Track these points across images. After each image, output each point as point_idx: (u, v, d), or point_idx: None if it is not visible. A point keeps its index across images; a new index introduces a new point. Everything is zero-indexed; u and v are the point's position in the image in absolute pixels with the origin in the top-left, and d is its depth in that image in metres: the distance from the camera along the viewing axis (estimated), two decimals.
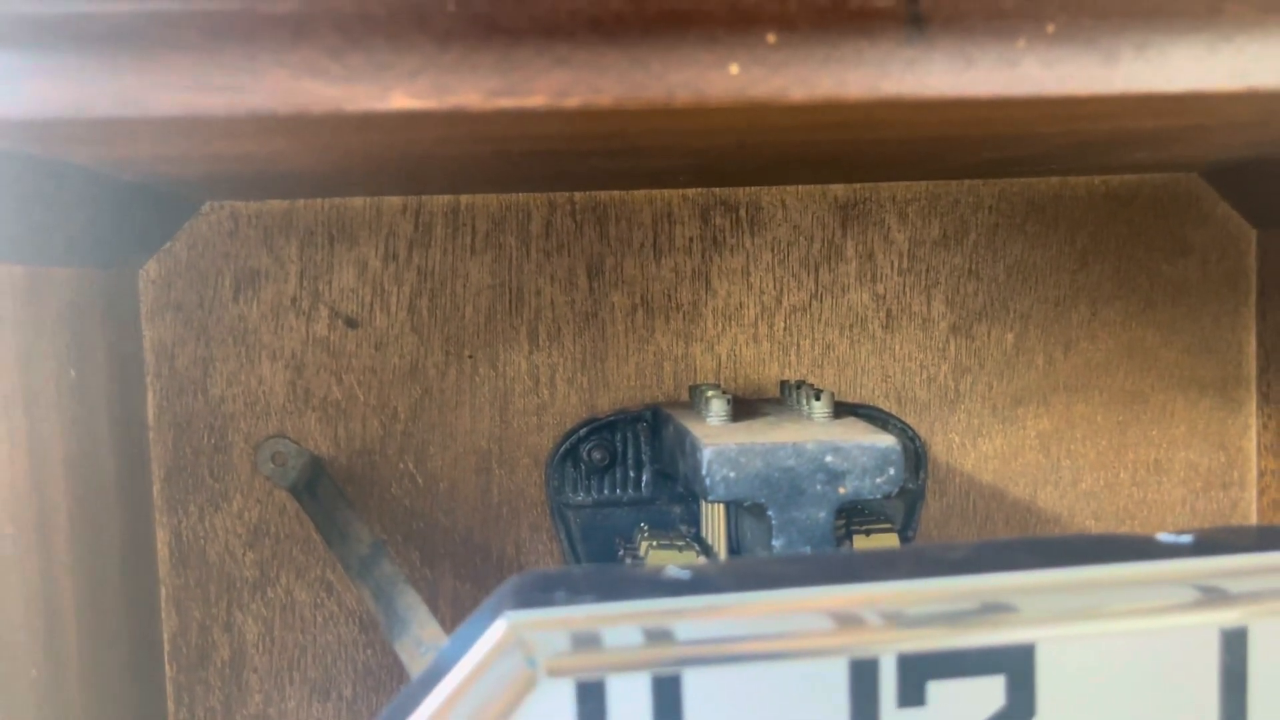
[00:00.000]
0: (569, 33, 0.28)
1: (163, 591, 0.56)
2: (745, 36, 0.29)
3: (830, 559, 0.31)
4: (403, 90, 0.28)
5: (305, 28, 0.28)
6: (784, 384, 0.53)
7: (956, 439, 0.59)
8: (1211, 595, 0.30)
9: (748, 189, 0.58)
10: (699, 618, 0.28)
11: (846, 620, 0.29)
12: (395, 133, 0.33)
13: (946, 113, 0.33)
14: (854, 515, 0.52)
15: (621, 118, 0.31)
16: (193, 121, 0.28)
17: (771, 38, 0.29)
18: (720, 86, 0.29)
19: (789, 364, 0.58)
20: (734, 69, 0.29)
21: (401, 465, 0.57)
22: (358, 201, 0.56)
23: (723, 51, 0.29)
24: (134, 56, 0.27)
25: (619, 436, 0.57)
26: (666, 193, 0.57)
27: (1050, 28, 0.30)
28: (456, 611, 0.57)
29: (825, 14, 0.29)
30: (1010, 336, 0.59)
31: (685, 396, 0.58)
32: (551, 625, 0.27)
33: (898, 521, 0.58)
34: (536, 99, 0.29)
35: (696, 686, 0.28)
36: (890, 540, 0.49)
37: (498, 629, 0.27)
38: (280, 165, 0.42)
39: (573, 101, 0.29)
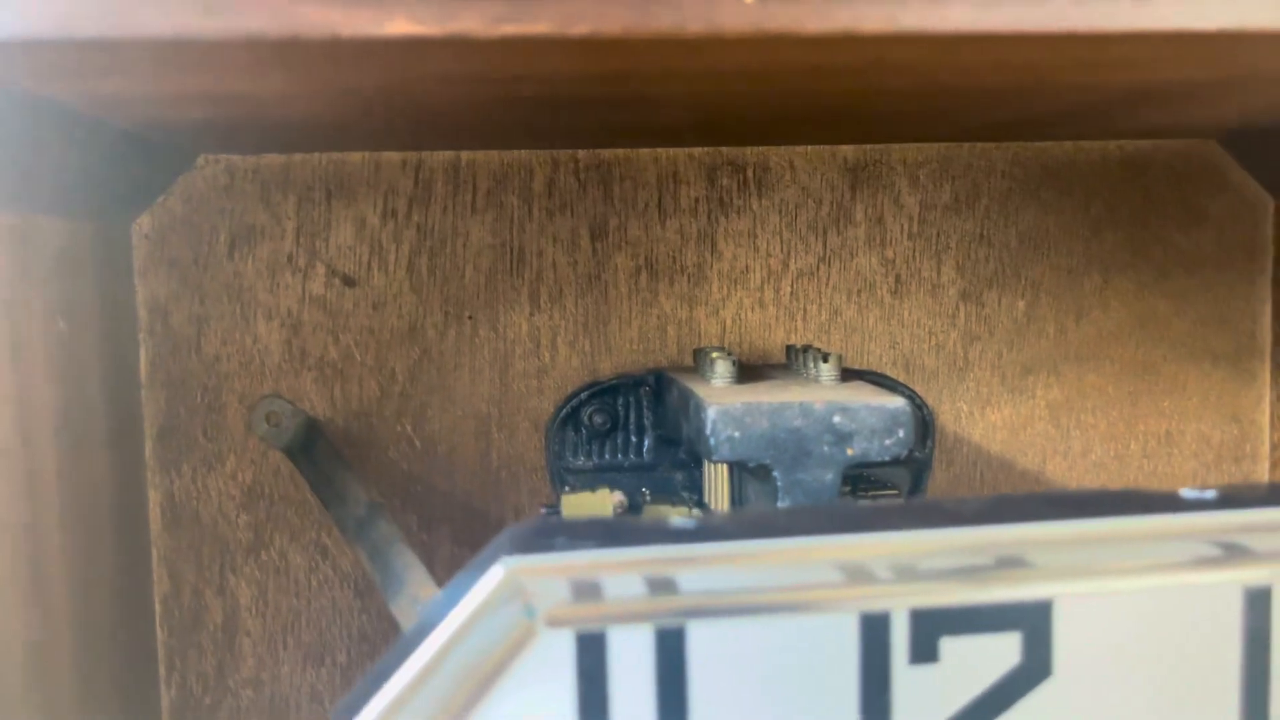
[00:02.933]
0: None
1: (154, 553, 0.55)
2: None
3: (840, 510, 0.30)
4: (404, 15, 0.27)
5: None
6: (790, 348, 0.52)
7: (965, 408, 0.58)
8: (1235, 553, 0.29)
9: (755, 149, 0.56)
10: (704, 566, 0.27)
11: (857, 573, 0.28)
12: (395, 68, 0.32)
13: (966, 53, 0.32)
14: (859, 482, 0.51)
15: (630, 51, 0.30)
16: (183, 45, 0.27)
17: None
18: (734, 16, 0.28)
19: (795, 329, 0.57)
20: None
21: (399, 428, 0.56)
22: (356, 157, 0.55)
23: None
24: None
25: (621, 401, 0.56)
26: (672, 151, 0.56)
27: None
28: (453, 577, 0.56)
29: None
30: (1021, 304, 0.58)
31: (689, 361, 0.57)
32: (551, 572, 0.26)
33: (904, 491, 0.57)
34: (541, 26, 0.27)
35: (701, 639, 0.27)
36: None
37: (494, 575, 0.26)
38: (276, 110, 0.41)
39: (580, 29, 0.28)
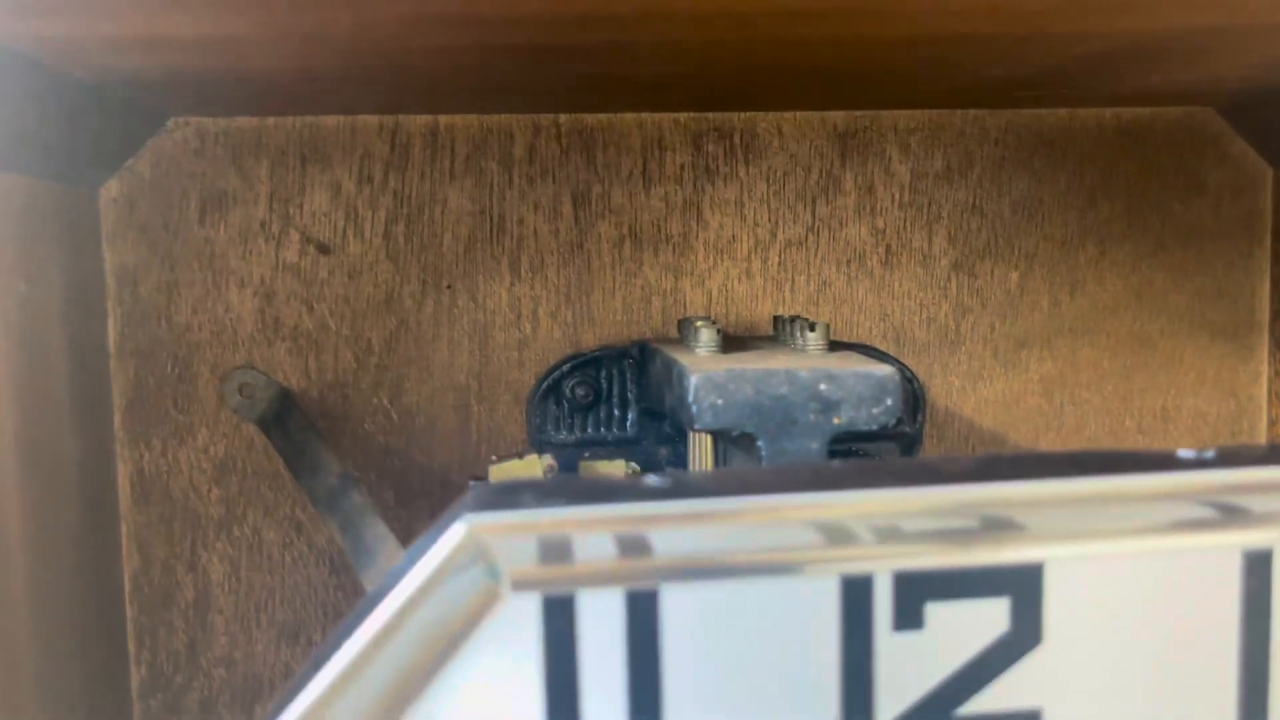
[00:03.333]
0: None
1: (124, 528, 0.54)
2: None
3: (821, 468, 0.29)
4: None
5: None
6: (778, 319, 0.51)
7: (956, 382, 0.57)
8: (1234, 515, 0.27)
9: (743, 115, 0.55)
10: (678, 525, 0.26)
11: (838, 533, 0.26)
12: (359, 6, 0.30)
13: None
14: (847, 457, 0.50)
15: None
16: None
17: None
18: None
19: (783, 300, 0.56)
20: None
21: (376, 400, 0.55)
22: (331, 120, 0.53)
23: None
24: None
25: (604, 373, 0.55)
26: (657, 117, 0.55)
27: None
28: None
29: None
30: (1014, 276, 0.57)
31: (674, 333, 0.56)
32: (517, 530, 0.25)
33: None
34: None
35: (675, 603, 0.26)
36: None
37: (455, 533, 0.25)
38: (242, 62, 0.39)
39: None
